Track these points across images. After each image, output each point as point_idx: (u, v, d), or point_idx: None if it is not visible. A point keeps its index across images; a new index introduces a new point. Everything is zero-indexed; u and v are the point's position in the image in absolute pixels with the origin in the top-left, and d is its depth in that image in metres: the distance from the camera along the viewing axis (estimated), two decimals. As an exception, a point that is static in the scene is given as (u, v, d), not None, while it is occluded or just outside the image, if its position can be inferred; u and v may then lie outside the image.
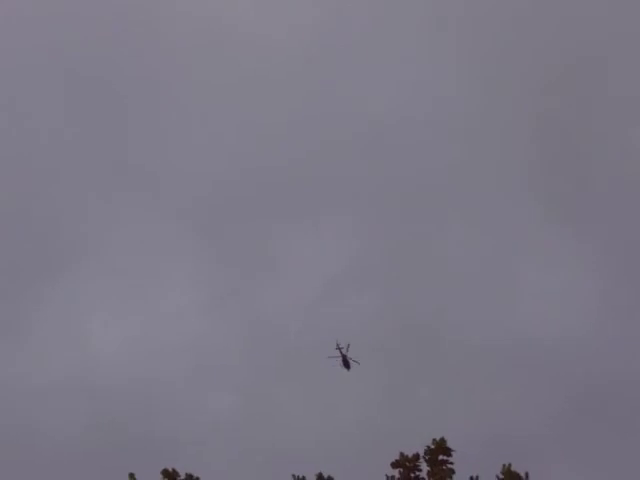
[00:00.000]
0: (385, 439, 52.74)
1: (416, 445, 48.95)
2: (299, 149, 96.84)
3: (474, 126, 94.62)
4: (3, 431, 74.81)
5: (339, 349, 47.75)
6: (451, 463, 48.31)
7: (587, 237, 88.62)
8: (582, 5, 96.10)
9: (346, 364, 47.85)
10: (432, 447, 48.43)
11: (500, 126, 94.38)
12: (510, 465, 47.13)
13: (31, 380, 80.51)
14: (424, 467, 48.50)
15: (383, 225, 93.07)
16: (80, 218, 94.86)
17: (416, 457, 48.38)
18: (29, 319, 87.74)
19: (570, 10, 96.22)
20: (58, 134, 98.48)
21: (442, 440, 48.32)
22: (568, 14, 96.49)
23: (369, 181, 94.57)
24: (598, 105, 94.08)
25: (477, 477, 47.69)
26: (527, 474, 46.91)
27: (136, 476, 51.82)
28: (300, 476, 49.25)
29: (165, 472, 50.83)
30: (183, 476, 50.56)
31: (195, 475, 50.60)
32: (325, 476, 48.89)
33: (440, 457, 48.33)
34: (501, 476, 47.02)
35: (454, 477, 48.20)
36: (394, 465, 48.50)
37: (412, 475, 48.34)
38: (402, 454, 48.51)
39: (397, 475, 48.42)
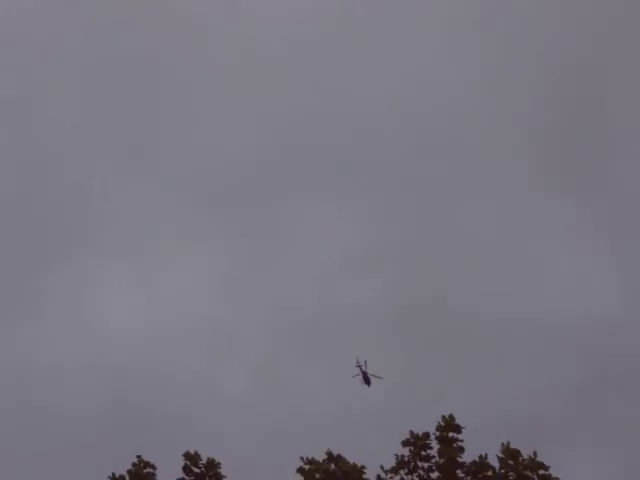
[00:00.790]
0: (397, 417, 52.65)
1: (430, 423, 48.90)
2: (317, 128, 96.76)
3: (483, 102, 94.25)
4: (21, 409, 75.19)
5: (359, 367, 47.83)
6: (461, 441, 48.21)
7: (606, 211, 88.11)
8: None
9: (366, 381, 48.10)
10: (442, 424, 48.31)
11: (510, 99, 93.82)
12: (509, 443, 47.12)
13: (47, 359, 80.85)
14: (434, 445, 48.44)
15: (399, 204, 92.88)
16: (97, 199, 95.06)
17: (426, 435, 48.25)
18: (46, 300, 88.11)
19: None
20: (76, 115, 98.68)
21: (451, 417, 48.19)
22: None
23: (387, 164, 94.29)
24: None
25: (486, 455, 47.59)
26: (535, 453, 46.81)
27: (149, 456, 52.21)
28: (310, 457, 49.33)
29: (187, 455, 51.04)
30: (204, 460, 50.89)
31: (217, 461, 50.73)
32: (334, 454, 48.92)
33: (450, 434, 48.19)
34: (501, 455, 47.04)
35: (464, 455, 48.13)
36: (404, 443, 48.39)
37: (423, 453, 48.20)
38: (412, 432, 48.39)
39: (407, 453, 48.32)
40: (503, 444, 47.42)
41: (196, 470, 50.53)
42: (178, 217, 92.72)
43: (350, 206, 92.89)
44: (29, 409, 73.94)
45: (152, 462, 50.83)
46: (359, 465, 48.39)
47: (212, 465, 50.46)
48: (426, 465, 48.06)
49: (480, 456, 47.54)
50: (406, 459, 48.12)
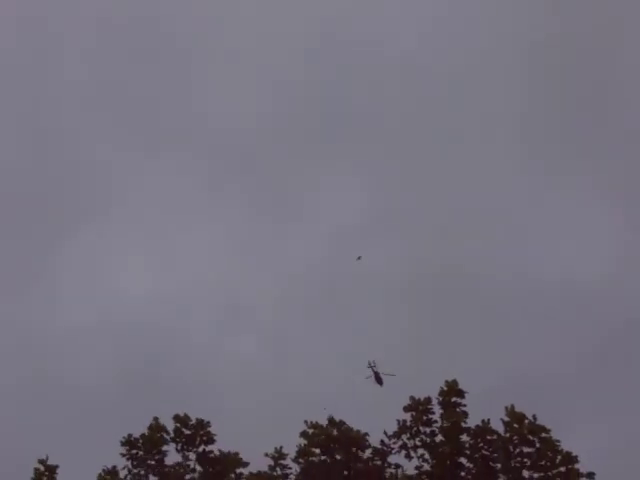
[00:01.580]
0: (404, 382, 52.53)
1: (434, 388, 48.86)
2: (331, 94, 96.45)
3: (492, 64, 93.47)
4: (35, 374, 75.76)
5: (371, 367, 48.22)
6: (464, 405, 48.23)
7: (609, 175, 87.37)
8: None
9: (379, 380, 48.43)
10: (445, 389, 48.34)
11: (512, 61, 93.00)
12: (513, 407, 47.11)
13: (58, 324, 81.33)
14: (437, 410, 48.48)
15: (408, 173, 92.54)
16: (108, 166, 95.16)
17: (427, 400, 48.27)
18: (60, 266, 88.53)
19: None
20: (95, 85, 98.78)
21: (454, 382, 48.19)
22: None
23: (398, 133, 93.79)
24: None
25: (489, 420, 47.62)
26: (534, 416, 46.83)
27: (161, 419, 52.74)
28: (313, 421, 49.56)
29: (177, 418, 51.52)
30: (194, 421, 51.24)
31: (206, 420, 51.07)
32: (337, 420, 49.13)
33: (453, 399, 48.23)
34: (506, 418, 47.03)
35: (467, 420, 48.14)
36: (406, 409, 48.47)
37: (424, 418, 48.29)
38: (413, 398, 48.40)
39: (409, 419, 48.38)
40: (507, 408, 47.50)
41: (187, 432, 51.10)
42: (194, 184, 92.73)
43: (366, 173, 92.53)
44: (44, 377, 74.47)
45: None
46: (362, 432, 48.75)
47: (201, 425, 51.10)
48: (428, 430, 48.19)
49: (483, 421, 47.61)
50: (408, 424, 48.28)
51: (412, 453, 48.04)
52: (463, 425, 47.89)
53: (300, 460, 49.12)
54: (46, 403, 70.30)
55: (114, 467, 51.38)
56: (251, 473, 49.89)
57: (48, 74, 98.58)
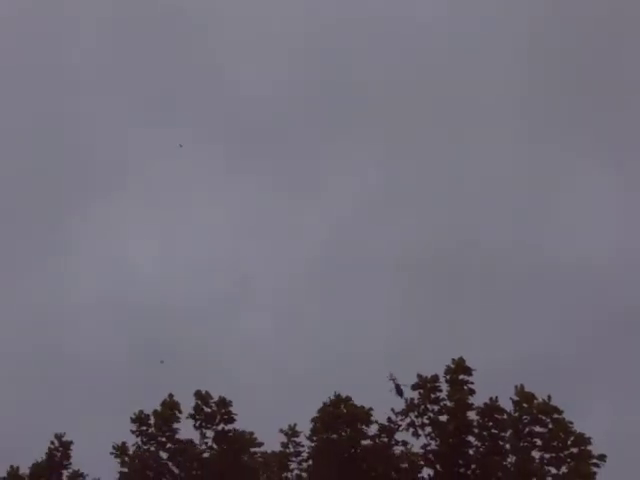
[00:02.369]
0: (411, 360, 52.42)
1: (440, 366, 48.58)
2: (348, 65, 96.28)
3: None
4: (48, 348, 75.97)
5: (392, 380, 48.12)
6: (472, 383, 47.92)
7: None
8: None
9: (399, 392, 48.23)
10: (452, 367, 48.04)
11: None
12: (523, 386, 46.75)
13: (72, 300, 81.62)
14: (444, 388, 48.22)
15: (420, 153, 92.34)
16: (122, 145, 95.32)
17: (434, 378, 47.99)
18: (77, 237, 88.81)
19: None
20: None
21: (461, 359, 47.85)
22: None
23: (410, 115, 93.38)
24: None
25: (496, 397, 47.34)
26: (549, 396, 46.44)
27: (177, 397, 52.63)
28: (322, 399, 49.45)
29: (198, 394, 51.27)
30: (216, 399, 51.07)
31: (228, 399, 50.90)
32: (343, 396, 49.03)
33: (461, 377, 47.91)
34: (516, 398, 46.71)
35: (474, 398, 47.87)
36: (414, 387, 48.18)
37: (432, 396, 48.04)
38: (420, 375, 48.14)
39: (417, 397, 48.16)
40: (517, 387, 47.14)
41: (207, 410, 50.89)
42: (208, 157, 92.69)
43: (380, 150, 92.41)
44: (59, 353, 74.67)
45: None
46: (366, 407, 48.60)
47: (224, 403, 50.89)
48: (436, 408, 47.94)
49: (490, 398, 47.31)
50: (416, 402, 48.07)
51: (420, 431, 47.87)
52: (469, 402, 47.60)
53: (314, 438, 49.14)
54: (61, 379, 70.46)
55: (124, 443, 51.53)
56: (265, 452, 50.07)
57: (62, 45, 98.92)
